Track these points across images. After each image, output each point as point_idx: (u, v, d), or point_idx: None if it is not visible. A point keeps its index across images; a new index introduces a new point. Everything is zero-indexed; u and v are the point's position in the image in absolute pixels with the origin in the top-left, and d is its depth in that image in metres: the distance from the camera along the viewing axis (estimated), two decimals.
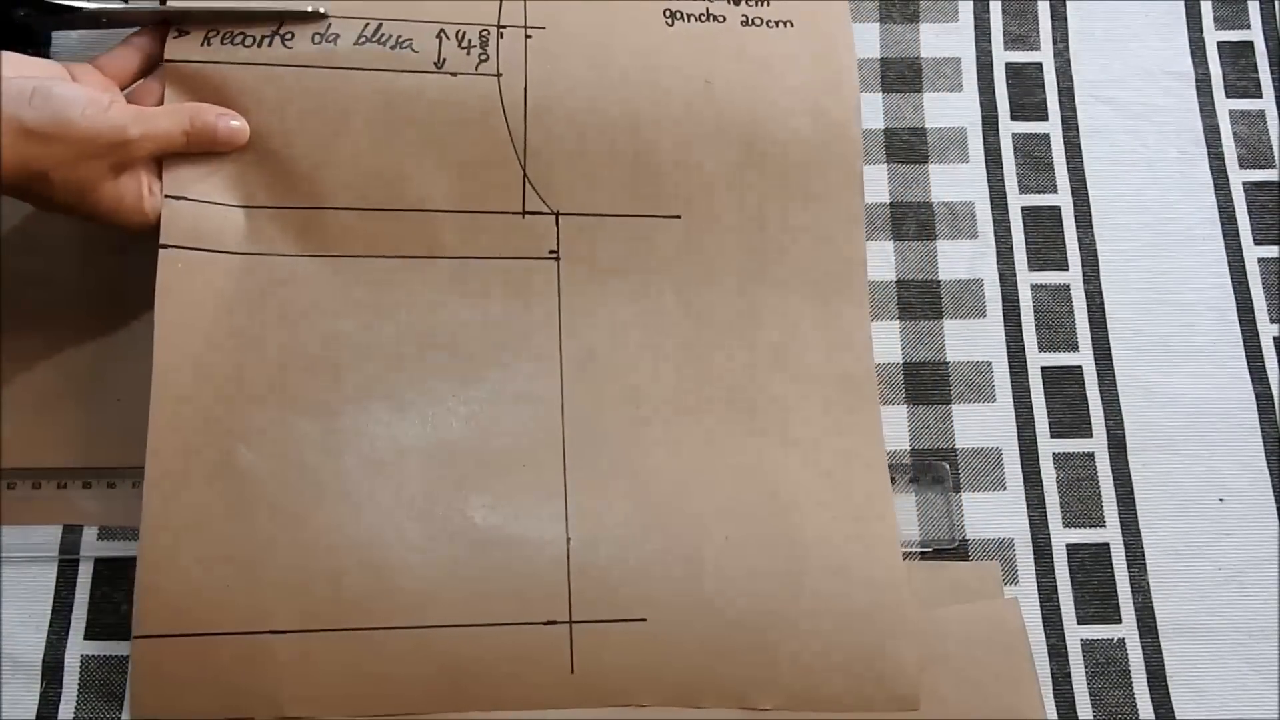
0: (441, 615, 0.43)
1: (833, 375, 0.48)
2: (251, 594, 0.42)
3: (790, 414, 0.47)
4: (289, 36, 0.48)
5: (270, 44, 0.48)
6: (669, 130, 0.49)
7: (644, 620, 0.43)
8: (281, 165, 0.47)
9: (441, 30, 0.49)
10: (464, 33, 0.49)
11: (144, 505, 0.43)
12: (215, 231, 0.46)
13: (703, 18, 0.51)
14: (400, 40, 0.49)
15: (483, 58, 0.49)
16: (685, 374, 0.47)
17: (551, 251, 0.48)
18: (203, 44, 0.48)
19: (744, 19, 0.52)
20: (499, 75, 0.49)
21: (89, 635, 0.45)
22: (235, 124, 0.46)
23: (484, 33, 0.49)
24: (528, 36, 0.49)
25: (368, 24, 0.49)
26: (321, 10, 0.48)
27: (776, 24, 0.52)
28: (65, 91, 0.41)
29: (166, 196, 0.46)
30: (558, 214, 0.48)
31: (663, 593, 0.44)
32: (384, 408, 0.45)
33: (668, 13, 0.51)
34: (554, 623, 0.43)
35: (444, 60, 0.49)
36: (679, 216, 0.49)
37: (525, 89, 0.49)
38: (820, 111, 0.50)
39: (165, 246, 0.45)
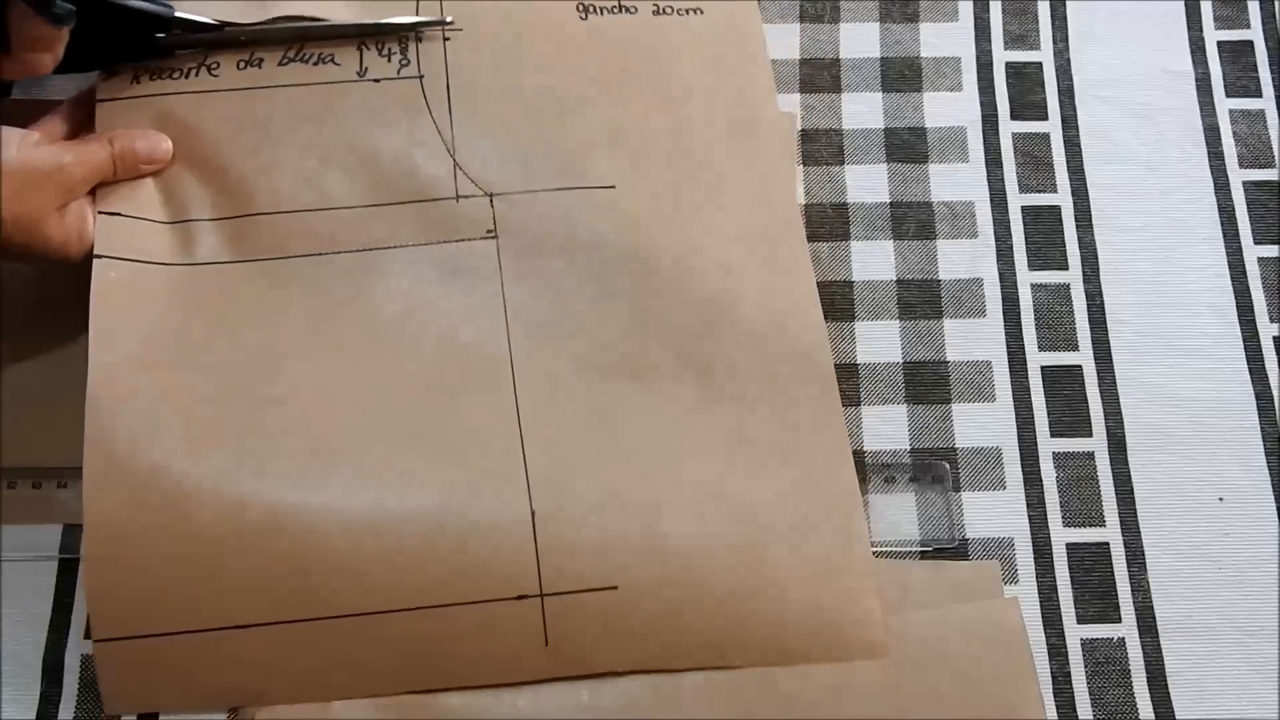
0: (410, 598, 0.43)
1: (782, 333, 0.48)
2: (208, 591, 0.42)
3: (743, 374, 0.47)
4: (215, 67, 0.50)
5: (197, 74, 0.50)
6: (593, 112, 0.51)
7: (615, 589, 0.43)
8: (212, 179, 0.48)
9: (362, 42, 0.51)
10: (383, 41, 0.51)
11: (85, 509, 0.42)
12: (149, 244, 0.47)
13: (615, 10, 0.53)
14: (323, 56, 0.50)
15: (403, 63, 0.51)
16: (635, 339, 0.47)
17: (489, 231, 0.49)
18: (132, 81, 0.49)
19: (655, 9, 0.54)
20: (421, 77, 0.50)
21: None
22: (153, 136, 0.48)
23: (403, 39, 0.51)
24: (446, 38, 0.51)
25: (290, 45, 0.50)
26: (449, 20, 0.51)
27: (687, 11, 0.54)
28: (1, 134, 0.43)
29: (100, 213, 0.47)
30: (491, 195, 0.49)
31: (631, 559, 0.44)
32: (330, 398, 0.45)
33: (581, 7, 0.53)
34: (525, 597, 0.43)
35: (366, 69, 0.50)
36: (614, 186, 0.50)
37: (447, 85, 0.50)
38: (740, 84, 0.53)
39: (99, 257, 0.46)
